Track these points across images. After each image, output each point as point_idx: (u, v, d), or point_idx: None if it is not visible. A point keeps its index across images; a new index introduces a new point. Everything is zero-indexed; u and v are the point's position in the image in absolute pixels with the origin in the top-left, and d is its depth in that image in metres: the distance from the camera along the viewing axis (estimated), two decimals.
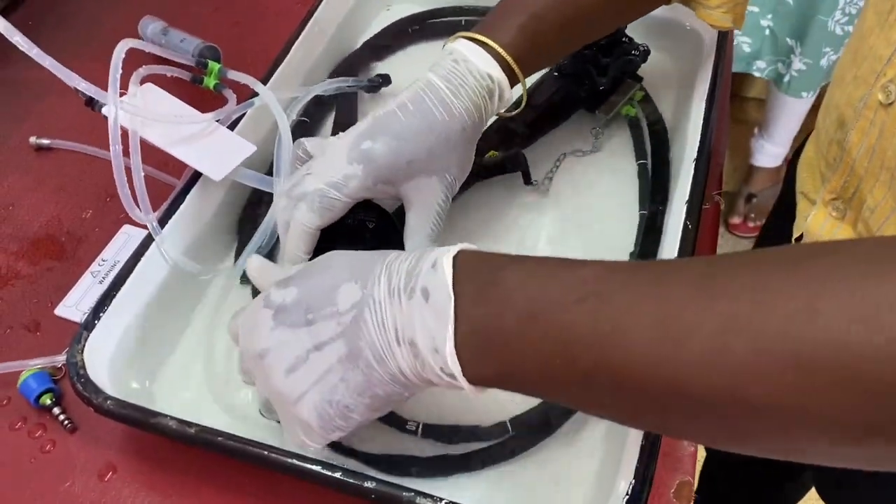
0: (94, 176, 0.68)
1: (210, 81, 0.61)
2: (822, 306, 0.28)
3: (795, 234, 0.64)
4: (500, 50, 0.52)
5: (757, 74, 1.51)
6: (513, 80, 0.54)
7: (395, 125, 0.51)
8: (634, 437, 0.44)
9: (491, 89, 0.52)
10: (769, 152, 1.71)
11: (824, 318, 0.28)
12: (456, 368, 0.36)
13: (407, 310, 0.38)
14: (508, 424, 0.50)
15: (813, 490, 0.93)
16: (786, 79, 1.49)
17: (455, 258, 0.38)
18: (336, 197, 0.50)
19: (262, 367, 0.41)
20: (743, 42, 1.46)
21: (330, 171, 0.50)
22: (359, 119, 0.59)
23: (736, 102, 1.89)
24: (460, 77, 0.51)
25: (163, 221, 0.54)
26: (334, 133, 0.66)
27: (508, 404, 0.51)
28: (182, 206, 0.55)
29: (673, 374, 0.31)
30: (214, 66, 0.61)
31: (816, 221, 0.60)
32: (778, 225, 0.78)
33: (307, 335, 0.40)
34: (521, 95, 0.56)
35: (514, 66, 0.52)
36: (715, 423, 0.32)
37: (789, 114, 1.61)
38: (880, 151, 0.50)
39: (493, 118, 0.56)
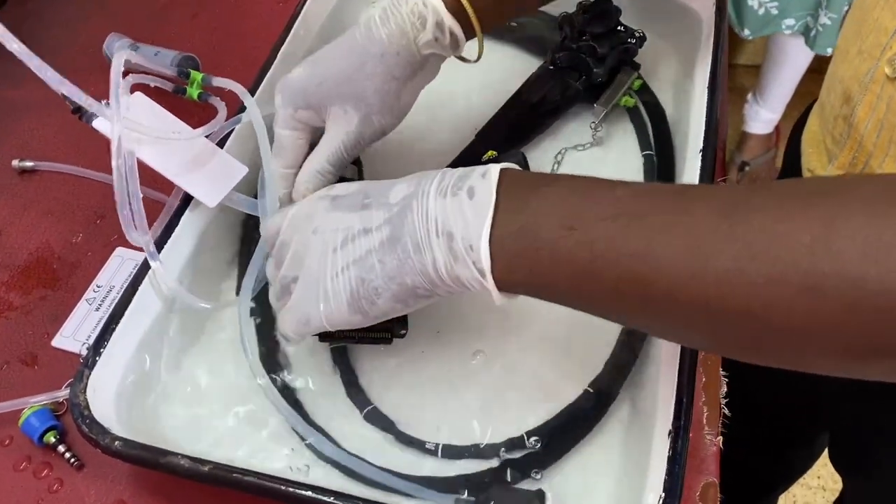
0: (81, 197, 0.66)
1: (193, 91, 0.59)
2: (835, 240, 0.30)
3: None
4: None
5: (787, 32, 1.50)
6: (466, 24, 0.49)
7: (320, 53, 0.51)
8: (659, 445, 0.43)
9: (423, 15, 0.48)
10: (763, 118, 1.70)
11: (837, 252, 0.30)
12: (486, 264, 0.39)
13: (450, 205, 0.40)
14: (525, 437, 0.49)
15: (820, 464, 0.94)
16: (812, 33, 1.48)
17: (503, 170, 0.40)
18: (278, 132, 0.51)
19: (313, 243, 0.44)
20: (770, 6, 1.46)
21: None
22: None
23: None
24: (395, 4, 0.49)
25: (158, 246, 0.52)
26: None
27: (528, 418, 0.50)
28: (177, 230, 0.53)
29: (696, 291, 0.33)
30: (197, 74, 0.58)
31: None
32: None
33: (359, 218, 0.43)
34: (480, 46, 0.52)
35: (466, 3, 0.48)
36: (732, 336, 0.35)
37: (785, 78, 1.60)
38: (889, 126, 0.49)
39: (441, 57, 0.52)
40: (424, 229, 0.41)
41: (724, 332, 0.35)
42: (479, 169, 0.41)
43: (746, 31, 1.52)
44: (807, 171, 0.64)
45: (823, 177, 0.36)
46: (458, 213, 0.40)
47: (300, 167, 0.51)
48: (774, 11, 1.47)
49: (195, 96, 0.59)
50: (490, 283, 0.39)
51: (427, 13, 0.48)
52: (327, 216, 0.45)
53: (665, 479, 0.41)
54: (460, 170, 0.42)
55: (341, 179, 0.55)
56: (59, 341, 0.57)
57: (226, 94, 0.57)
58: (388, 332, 0.50)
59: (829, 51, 1.50)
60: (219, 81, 0.57)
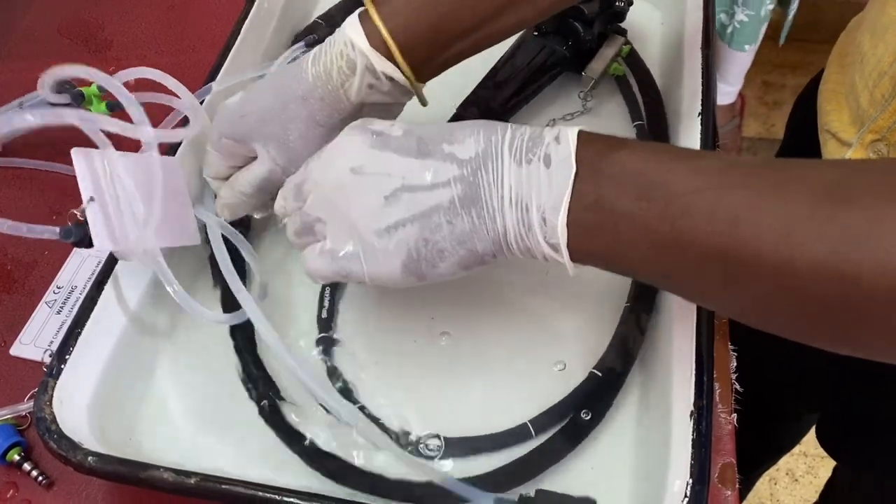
0: (36, 193, 0.61)
1: (98, 107, 0.55)
2: None
3: None
4: (378, 25, 0.43)
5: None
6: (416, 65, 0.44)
7: (261, 80, 0.48)
8: (679, 427, 0.41)
9: (351, 59, 0.43)
10: (722, 91, 1.70)
11: None
12: (563, 239, 0.37)
13: (526, 173, 0.37)
14: (529, 426, 0.46)
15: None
16: (729, 30, 1.47)
17: (578, 134, 0.37)
18: (206, 148, 0.49)
19: (352, 184, 0.39)
20: None
21: None
22: None
23: None
24: (328, 44, 0.45)
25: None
26: None
27: (525, 406, 0.47)
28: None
29: (786, 277, 0.31)
30: (87, 89, 0.55)
31: None
32: None
33: (419, 166, 0.38)
34: (419, 96, 0.47)
35: (392, 45, 0.43)
36: (817, 324, 0.33)
37: (735, 59, 1.59)
38: None
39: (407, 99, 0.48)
40: (499, 196, 0.38)
41: (810, 319, 0.33)
42: (550, 132, 0.38)
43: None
44: (825, 132, 0.59)
45: None
46: (535, 183, 0.37)
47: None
48: None
49: (105, 110, 0.55)
50: (565, 256, 0.37)
51: (355, 57, 0.43)
52: (373, 154, 0.39)
53: (691, 464, 0.39)
54: (529, 128, 0.39)
55: None
56: (18, 349, 0.52)
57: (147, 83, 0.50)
58: None
59: (747, 48, 1.49)
60: (127, 73, 0.50)
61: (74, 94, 0.55)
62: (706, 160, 0.35)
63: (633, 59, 0.61)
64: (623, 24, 0.61)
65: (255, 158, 0.47)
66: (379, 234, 0.39)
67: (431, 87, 0.62)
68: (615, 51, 0.60)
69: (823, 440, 0.79)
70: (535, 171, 0.37)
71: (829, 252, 0.30)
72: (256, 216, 0.53)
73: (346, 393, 0.48)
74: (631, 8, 0.61)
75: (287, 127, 0.45)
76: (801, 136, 0.62)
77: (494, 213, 0.38)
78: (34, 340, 0.53)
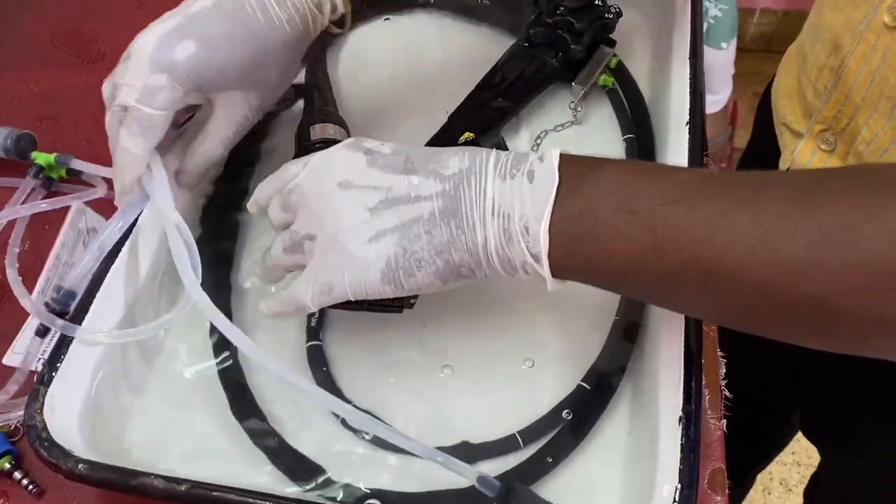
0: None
1: (57, 172, 0.58)
2: None
3: (782, 169, 0.61)
4: None
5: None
6: None
7: (208, 27, 0.46)
8: (667, 433, 0.41)
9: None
10: (709, 100, 1.71)
11: None
12: (544, 248, 0.37)
13: (510, 186, 0.39)
14: (518, 437, 0.46)
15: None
16: (704, 27, 1.48)
17: (562, 154, 0.39)
18: (151, 113, 0.45)
19: (339, 198, 0.40)
20: None
21: (137, 82, 0.45)
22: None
23: None
24: None
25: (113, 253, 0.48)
26: (309, 98, 0.59)
27: (514, 416, 0.47)
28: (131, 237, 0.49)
29: (763, 280, 0.33)
30: (42, 156, 0.57)
31: (803, 155, 0.57)
32: (754, 161, 0.75)
33: (404, 182, 0.40)
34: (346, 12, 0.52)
35: None
36: (797, 323, 0.34)
37: (714, 66, 1.60)
38: (881, 79, 0.47)
39: None
40: (481, 208, 0.39)
41: (789, 319, 0.34)
42: (535, 154, 0.40)
43: None
44: (782, 126, 0.62)
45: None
46: (517, 196, 0.38)
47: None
48: None
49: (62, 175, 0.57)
50: (545, 267, 0.38)
51: None
52: (361, 170, 0.41)
53: (680, 469, 0.39)
54: (513, 153, 0.40)
55: (334, 143, 0.51)
56: (11, 359, 0.52)
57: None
58: (399, 298, 0.46)
59: (724, 45, 1.50)
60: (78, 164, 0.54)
61: (21, 150, 0.58)
62: (684, 173, 0.37)
63: (621, 71, 0.62)
64: (612, 36, 0.62)
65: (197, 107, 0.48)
66: (362, 244, 0.40)
67: (423, 97, 0.62)
68: (604, 62, 0.60)
69: (808, 428, 0.80)
70: (517, 185, 0.38)
71: (804, 254, 0.31)
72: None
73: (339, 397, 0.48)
74: (620, 19, 0.62)
75: (270, 72, 0.47)
76: (764, 130, 0.65)
77: (475, 224, 0.39)
78: (27, 349, 0.53)
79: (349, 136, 0.55)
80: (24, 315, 0.54)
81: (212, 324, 0.50)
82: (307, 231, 0.41)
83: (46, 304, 0.48)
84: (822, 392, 0.74)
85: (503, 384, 0.49)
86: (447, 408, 0.48)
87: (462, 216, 0.39)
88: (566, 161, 0.39)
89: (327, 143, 0.52)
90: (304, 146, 0.53)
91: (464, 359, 0.50)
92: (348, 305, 0.44)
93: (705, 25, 1.43)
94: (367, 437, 0.46)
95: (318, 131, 0.53)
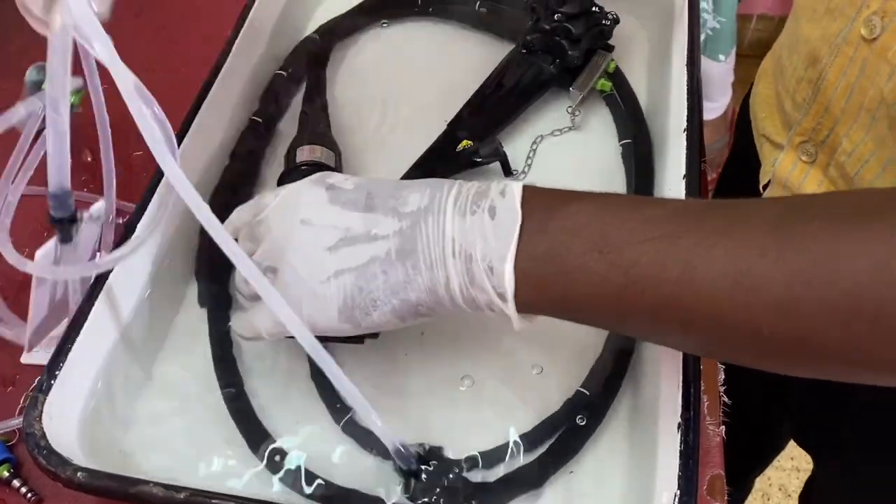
0: (25, 212, 0.61)
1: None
2: (895, 266, 0.29)
3: (763, 181, 0.62)
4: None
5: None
6: None
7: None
8: (667, 440, 0.41)
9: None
10: (708, 108, 1.71)
11: None
12: (510, 288, 0.36)
13: (470, 224, 0.38)
14: (517, 443, 0.46)
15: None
16: (702, 38, 1.48)
17: (524, 187, 0.38)
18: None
19: (301, 234, 0.40)
20: None
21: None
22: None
23: None
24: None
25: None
26: (303, 118, 0.59)
27: (513, 423, 0.47)
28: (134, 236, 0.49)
29: (745, 319, 0.32)
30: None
31: (784, 166, 0.57)
32: (735, 173, 0.75)
33: (361, 220, 0.40)
34: None
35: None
36: (782, 359, 0.34)
37: (712, 74, 1.60)
38: (860, 91, 0.47)
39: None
40: (440, 248, 0.38)
41: (774, 355, 0.34)
42: (496, 185, 0.39)
43: None
44: (761, 136, 0.63)
45: (874, 190, 0.36)
46: (479, 234, 0.37)
47: None
48: None
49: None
50: (511, 308, 0.37)
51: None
52: (322, 207, 0.41)
53: (679, 476, 0.39)
54: (475, 184, 0.39)
55: (318, 166, 0.52)
56: (28, 357, 0.53)
57: None
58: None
59: (722, 57, 1.50)
60: None
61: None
62: (655, 208, 0.36)
63: (618, 77, 0.62)
64: (611, 41, 0.62)
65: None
66: (321, 282, 0.39)
67: (421, 105, 0.63)
68: (602, 68, 0.61)
69: (801, 441, 0.80)
70: (478, 222, 0.37)
71: (784, 292, 0.31)
72: None
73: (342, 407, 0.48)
74: (618, 26, 0.62)
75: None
76: (745, 141, 0.65)
77: (433, 264, 0.38)
78: (43, 347, 0.53)
79: (338, 158, 0.55)
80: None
81: (209, 330, 0.50)
82: (269, 264, 0.41)
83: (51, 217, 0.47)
84: (808, 415, 0.75)
85: (504, 390, 0.49)
86: (449, 411, 0.48)
87: (419, 256, 0.38)
88: (530, 195, 0.38)
89: (313, 165, 0.53)
90: (290, 167, 0.53)
91: (467, 364, 0.50)
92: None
93: (703, 37, 1.44)
94: (372, 451, 0.46)
95: (304, 153, 0.53)
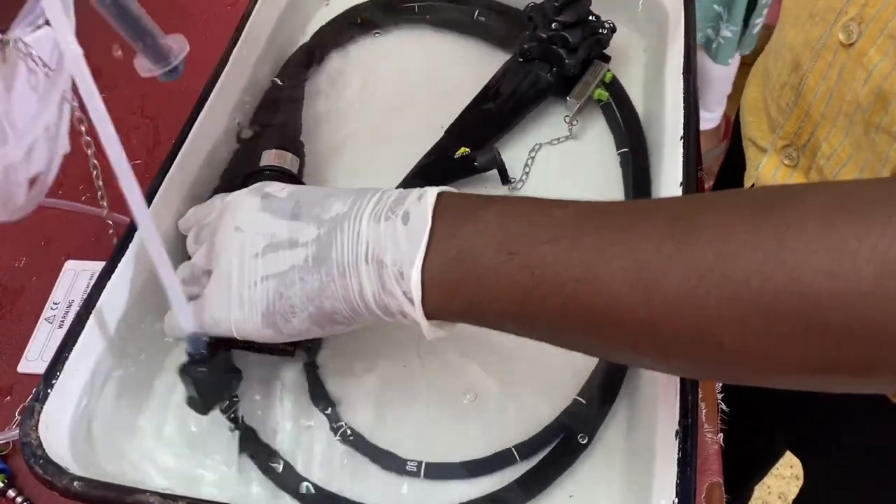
0: (20, 222, 0.61)
1: None
2: (788, 256, 0.28)
3: (747, 185, 0.62)
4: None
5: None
6: None
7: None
8: (664, 448, 0.41)
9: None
10: (704, 118, 1.72)
11: (791, 268, 0.28)
12: (417, 294, 0.36)
13: (384, 230, 0.38)
14: (514, 452, 0.46)
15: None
16: (714, 45, 1.49)
17: (440, 194, 0.38)
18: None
19: (233, 240, 0.41)
20: None
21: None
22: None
23: None
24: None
25: (108, 270, 0.48)
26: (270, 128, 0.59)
27: (510, 431, 0.47)
28: (130, 249, 0.49)
29: (644, 317, 0.32)
30: None
31: (768, 170, 0.58)
32: (727, 177, 0.76)
33: (286, 228, 0.40)
34: None
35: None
36: (684, 360, 0.33)
37: (714, 82, 1.61)
38: (838, 95, 0.48)
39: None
40: (353, 253, 0.38)
41: (674, 355, 0.33)
42: (416, 192, 0.39)
43: None
44: (748, 140, 0.63)
45: (770, 187, 0.35)
46: (391, 239, 0.37)
47: None
48: None
49: None
50: (419, 313, 0.37)
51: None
52: (253, 215, 0.42)
53: (676, 484, 0.39)
54: (397, 192, 0.39)
55: (280, 172, 0.52)
56: (25, 366, 0.53)
57: None
58: (292, 344, 0.47)
59: (730, 62, 1.52)
60: None
61: None
62: (562, 209, 0.35)
63: (615, 86, 0.62)
64: (607, 51, 0.62)
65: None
66: (247, 287, 0.40)
67: (418, 113, 0.63)
68: (599, 77, 0.61)
69: (793, 447, 0.80)
70: (391, 228, 0.37)
71: (681, 288, 0.30)
72: None
73: (333, 414, 0.48)
74: (615, 35, 0.62)
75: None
76: (737, 146, 0.66)
77: (346, 270, 0.38)
78: (40, 355, 0.54)
79: (301, 164, 0.56)
80: (30, 325, 0.55)
81: None
82: (205, 266, 0.43)
83: None
84: (798, 421, 0.75)
85: (497, 398, 0.49)
86: (446, 421, 0.48)
87: (332, 262, 0.38)
88: (445, 200, 0.38)
89: (275, 170, 0.53)
90: (254, 170, 0.54)
91: (463, 374, 0.50)
92: (239, 345, 0.46)
93: (714, 44, 1.45)
94: (371, 459, 0.46)
95: (268, 157, 0.54)
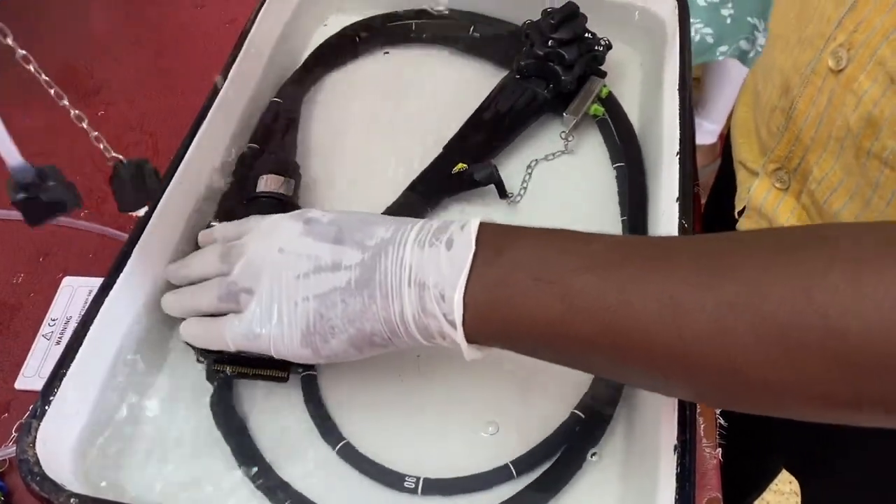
0: (22, 235, 0.62)
1: None
2: (817, 295, 0.30)
3: (738, 207, 0.62)
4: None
5: (720, 58, 1.51)
6: None
7: None
8: (666, 463, 0.41)
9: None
10: (706, 129, 1.73)
11: (819, 306, 0.30)
12: (458, 315, 0.38)
13: (427, 255, 0.39)
14: (511, 467, 0.46)
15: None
16: (751, 54, 1.50)
17: (482, 223, 0.40)
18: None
19: (277, 262, 0.43)
20: (706, 34, 1.47)
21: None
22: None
23: None
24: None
25: (107, 285, 0.48)
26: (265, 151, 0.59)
27: (507, 446, 0.47)
28: (128, 265, 0.49)
29: (675, 347, 0.33)
30: None
31: (759, 193, 0.58)
32: (717, 199, 0.76)
33: (329, 251, 0.42)
34: None
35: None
36: (712, 389, 0.35)
37: (727, 90, 1.62)
38: (828, 120, 0.48)
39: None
40: (397, 278, 0.39)
41: (703, 385, 0.35)
42: (458, 222, 0.40)
43: None
44: (738, 163, 0.63)
45: (804, 227, 0.38)
46: (434, 264, 0.39)
47: None
48: (710, 40, 1.48)
49: None
50: (460, 334, 0.38)
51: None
52: (297, 239, 0.43)
53: (675, 499, 0.39)
54: (439, 221, 0.41)
55: (277, 197, 0.53)
56: (22, 382, 0.53)
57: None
58: (285, 369, 0.48)
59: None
60: None
61: None
62: (599, 242, 0.37)
63: (611, 102, 0.63)
64: (603, 66, 0.63)
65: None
66: (289, 306, 0.42)
67: (418, 127, 0.63)
68: (595, 93, 0.61)
69: (791, 468, 0.80)
70: (435, 253, 0.39)
71: (713, 322, 0.31)
72: None
73: (331, 429, 0.48)
74: (610, 51, 0.63)
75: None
76: (728, 166, 0.67)
77: (388, 293, 0.39)
78: (38, 372, 0.54)
79: (297, 185, 0.56)
80: (28, 342, 0.55)
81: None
82: (246, 285, 0.43)
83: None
84: (794, 439, 0.75)
85: (495, 414, 0.49)
86: (443, 438, 0.48)
87: (376, 285, 0.40)
88: (486, 229, 0.39)
89: (272, 196, 0.53)
90: (251, 196, 0.54)
91: (460, 389, 0.50)
92: (235, 373, 0.48)
93: (751, 54, 1.46)
94: (369, 476, 0.46)
95: (264, 183, 0.54)
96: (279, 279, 0.42)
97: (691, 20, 1.53)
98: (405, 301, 0.39)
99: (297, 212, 0.46)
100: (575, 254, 0.36)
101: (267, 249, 0.43)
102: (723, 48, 1.50)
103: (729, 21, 1.45)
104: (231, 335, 0.44)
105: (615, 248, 0.36)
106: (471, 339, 0.39)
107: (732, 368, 0.32)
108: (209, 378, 0.49)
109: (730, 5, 1.44)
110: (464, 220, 0.40)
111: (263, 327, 0.42)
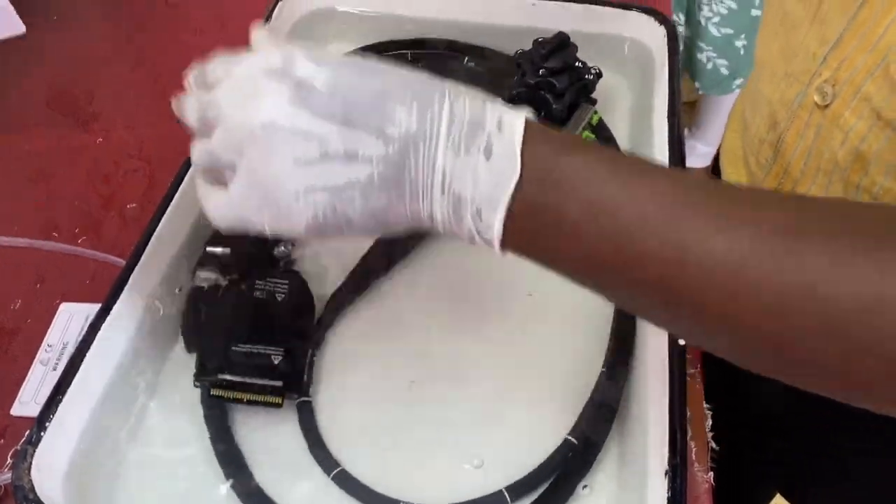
0: (19, 262, 0.62)
1: None
2: (886, 290, 0.29)
3: None
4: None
5: (736, 90, 1.53)
6: None
7: None
8: (654, 486, 0.41)
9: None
10: (700, 152, 1.75)
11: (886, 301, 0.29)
12: (497, 237, 0.34)
13: (463, 162, 0.34)
14: (505, 494, 0.46)
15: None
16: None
17: (526, 124, 0.34)
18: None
19: (262, 139, 0.35)
20: (720, 65, 1.49)
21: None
22: None
23: None
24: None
25: (106, 309, 0.48)
26: None
27: (501, 471, 0.47)
28: (127, 288, 0.49)
29: (730, 311, 0.31)
30: None
31: None
32: None
33: (338, 136, 0.35)
34: None
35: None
36: (751, 354, 0.33)
37: (722, 111, 1.64)
38: (816, 154, 0.48)
39: None
40: (429, 180, 0.35)
41: (748, 349, 0.33)
42: (493, 115, 0.35)
43: (698, 85, 1.54)
44: None
45: (883, 213, 0.34)
46: (472, 177, 0.34)
47: None
48: (724, 71, 1.49)
49: None
50: (496, 250, 0.35)
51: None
52: (288, 111, 0.35)
53: None
54: (469, 107, 0.35)
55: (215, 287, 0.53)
56: (18, 409, 0.53)
57: None
58: (279, 395, 0.48)
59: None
60: None
61: None
62: (664, 180, 0.33)
63: (602, 129, 0.64)
64: (594, 95, 0.64)
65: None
66: (289, 195, 0.35)
67: None
68: (585, 120, 0.62)
69: (783, 488, 0.80)
70: (472, 163, 0.34)
71: (774, 297, 0.30)
72: None
73: (328, 458, 0.48)
74: (601, 79, 0.64)
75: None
76: None
77: (419, 195, 0.35)
78: (34, 398, 0.53)
79: None
80: (24, 367, 0.55)
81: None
82: (227, 158, 0.37)
83: None
84: (791, 466, 0.75)
85: (489, 438, 0.49)
86: (442, 463, 0.48)
87: (405, 185, 0.35)
88: (531, 137, 0.34)
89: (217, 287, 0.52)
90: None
91: (459, 413, 0.50)
92: (229, 396, 0.48)
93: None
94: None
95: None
96: (270, 162, 0.35)
97: (704, 48, 1.55)
98: (436, 207, 0.35)
99: (275, 61, 0.36)
100: (634, 192, 0.33)
101: (248, 120, 0.35)
102: (738, 81, 1.51)
103: (742, 52, 1.47)
104: (218, 216, 0.38)
105: (679, 194, 0.32)
106: (506, 250, 0.36)
107: (782, 345, 0.31)
108: (204, 403, 0.49)
109: (743, 37, 1.45)
110: (497, 113, 0.35)
111: (254, 214, 0.37)
